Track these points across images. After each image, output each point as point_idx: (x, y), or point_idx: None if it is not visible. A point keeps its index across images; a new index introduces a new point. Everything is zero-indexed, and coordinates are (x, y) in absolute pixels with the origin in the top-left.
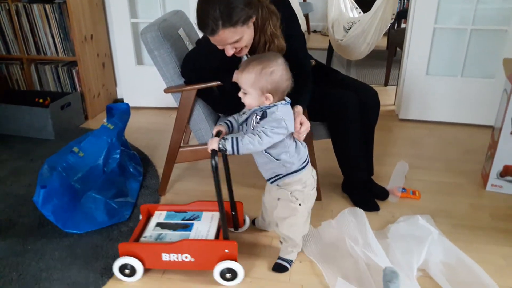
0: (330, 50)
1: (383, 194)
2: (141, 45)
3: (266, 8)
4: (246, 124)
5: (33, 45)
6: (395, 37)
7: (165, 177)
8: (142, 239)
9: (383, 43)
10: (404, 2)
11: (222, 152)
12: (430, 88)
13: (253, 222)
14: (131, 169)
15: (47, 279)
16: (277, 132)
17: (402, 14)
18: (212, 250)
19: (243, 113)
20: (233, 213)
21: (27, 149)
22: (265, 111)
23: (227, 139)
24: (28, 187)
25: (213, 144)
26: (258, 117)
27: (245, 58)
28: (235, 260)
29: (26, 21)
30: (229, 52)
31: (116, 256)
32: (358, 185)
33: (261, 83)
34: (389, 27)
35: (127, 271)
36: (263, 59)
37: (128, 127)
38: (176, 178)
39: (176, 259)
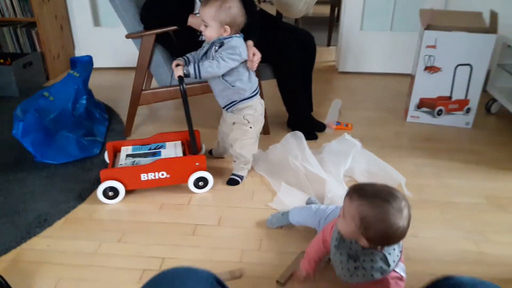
0: (279, 15)
1: (321, 127)
2: (97, 6)
3: None
4: (206, 56)
5: None
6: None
7: (130, 118)
8: (118, 166)
9: (327, 10)
10: None
11: (186, 76)
12: (364, 42)
13: (210, 152)
14: (97, 115)
15: (31, 199)
16: (232, 58)
17: None
18: (184, 165)
19: (203, 47)
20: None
21: None
22: (223, 42)
23: (189, 64)
24: None
25: (179, 71)
26: (217, 47)
27: (198, 4)
28: (205, 170)
29: None
30: None
31: (92, 181)
32: (300, 120)
33: (221, 16)
34: None
35: (110, 193)
36: None
37: (90, 86)
38: (140, 123)
39: (153, 178)
